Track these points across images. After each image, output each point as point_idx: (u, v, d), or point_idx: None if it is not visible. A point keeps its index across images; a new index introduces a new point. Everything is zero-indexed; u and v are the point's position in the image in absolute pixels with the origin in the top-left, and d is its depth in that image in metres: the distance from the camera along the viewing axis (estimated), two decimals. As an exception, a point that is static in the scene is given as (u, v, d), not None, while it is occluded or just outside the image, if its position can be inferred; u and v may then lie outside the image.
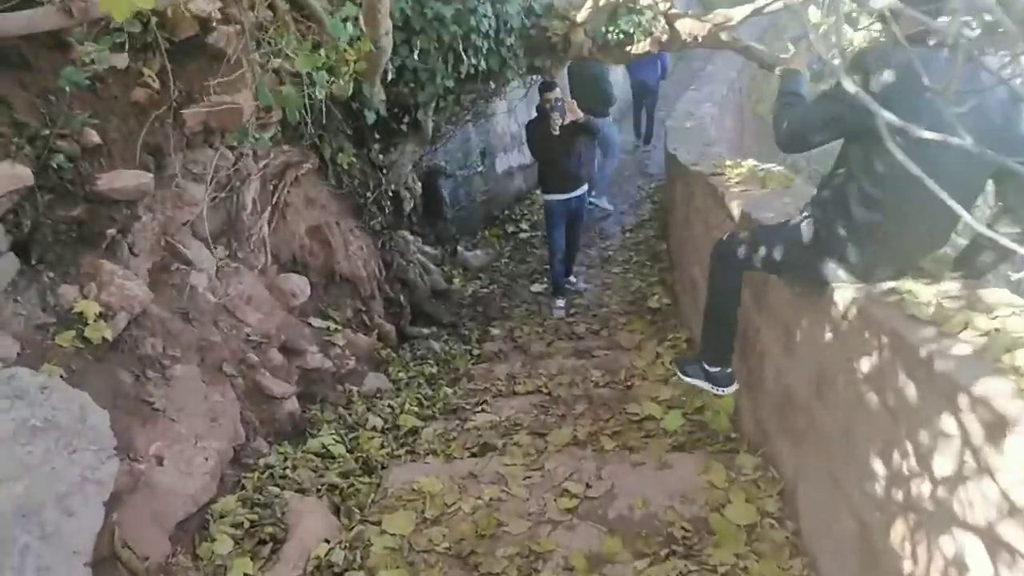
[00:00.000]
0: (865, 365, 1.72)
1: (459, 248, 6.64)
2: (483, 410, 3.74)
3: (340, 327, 4.33)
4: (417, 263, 5.84)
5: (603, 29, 4.71)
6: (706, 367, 2.54)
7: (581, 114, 5.23)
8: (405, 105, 5.04)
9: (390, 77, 4.73)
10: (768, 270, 2.20)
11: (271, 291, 3.98)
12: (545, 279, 6.43)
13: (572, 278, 6.29)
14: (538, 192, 7.40)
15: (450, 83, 5.20)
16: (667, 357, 4.28)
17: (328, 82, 3.05)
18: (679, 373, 2.74)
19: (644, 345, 4.82)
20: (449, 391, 4.15)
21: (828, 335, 1.95)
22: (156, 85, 3.52)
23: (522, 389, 4.08)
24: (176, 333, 2.96)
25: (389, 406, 3.87)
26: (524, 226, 7.57)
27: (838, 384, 1.89)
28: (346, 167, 4.85)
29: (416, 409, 3.90)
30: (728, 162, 3.94)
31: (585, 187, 5.73)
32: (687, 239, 4.76)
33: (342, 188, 4.98)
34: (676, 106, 7.82)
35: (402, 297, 5.42)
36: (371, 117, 4.52)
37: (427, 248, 6.46)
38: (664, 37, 4.61)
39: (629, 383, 3.95)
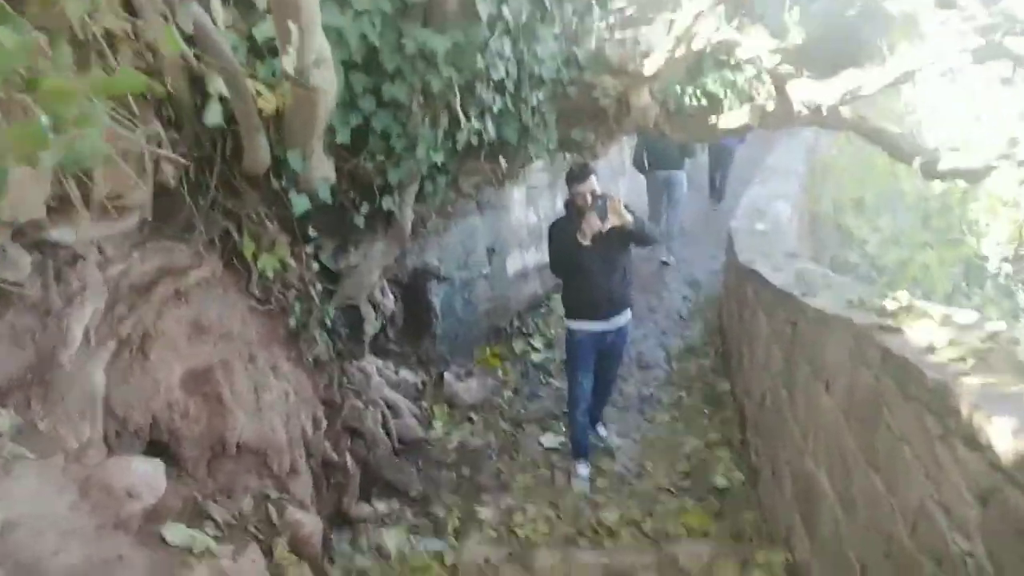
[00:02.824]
0: None
1: (447, 376, 4.95)
2: None
3: (216, 539, 2.59)
4: (381, 403, 4.15)
5: (678, 90, 3.12)
6: None
7: (629, 217, 3.61)
8: (367, 186, 3.45)
9: (339, 139, 3.15)
10: None
11: (85, 494, 2.27)
12: (562, 425, 4.69)
13: (601, 429, 4.56)
14: (558, 297, 5.78)
15: (440, 157, 3.58)
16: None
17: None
18: None
19: (717, 571, 3.07)
20: None
21: None
22: None
23: None
24: None
25: None
26: (537, 344, 5.87)
27: None
28: (271, 275, 3.23)
29: None
30: (890, 304, 2.28)
31: (628, 315, 4.05)
32: (796, 411, 3.04)
33: (269, 304, 3.36)
34: (740, 202, 6.23)
35: (350, 459, 3.70)
36: (300, 205, 2.94)
37: (404, 373, 4.79)
38: (770, 105, 3.01)
39: None
